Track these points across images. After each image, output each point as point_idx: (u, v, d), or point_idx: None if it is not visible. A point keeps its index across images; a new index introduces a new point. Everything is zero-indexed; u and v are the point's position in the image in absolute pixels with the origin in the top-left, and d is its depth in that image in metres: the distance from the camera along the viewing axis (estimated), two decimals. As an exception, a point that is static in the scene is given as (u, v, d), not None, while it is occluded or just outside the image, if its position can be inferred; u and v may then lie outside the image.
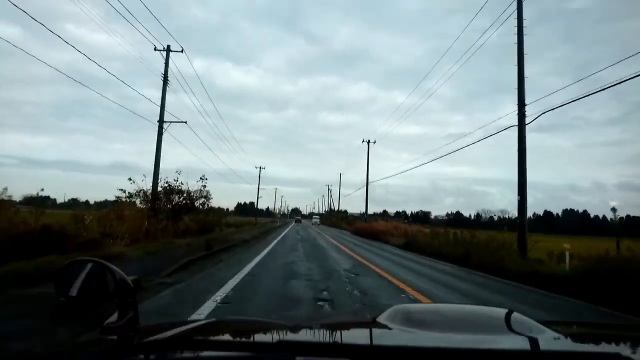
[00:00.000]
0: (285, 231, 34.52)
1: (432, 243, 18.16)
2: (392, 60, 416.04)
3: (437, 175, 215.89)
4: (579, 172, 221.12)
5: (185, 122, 21.39)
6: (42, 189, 11.77)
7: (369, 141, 47.53)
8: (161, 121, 20.62)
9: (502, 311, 1.36)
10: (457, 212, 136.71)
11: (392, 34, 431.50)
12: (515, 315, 1.29)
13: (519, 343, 1.10)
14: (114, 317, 1.20)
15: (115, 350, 0.99)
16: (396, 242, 22.46)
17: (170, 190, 20.49)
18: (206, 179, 21.36)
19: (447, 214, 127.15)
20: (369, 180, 47.19)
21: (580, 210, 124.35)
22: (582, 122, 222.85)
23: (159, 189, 20.09)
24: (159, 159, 20.75)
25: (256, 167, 71.21)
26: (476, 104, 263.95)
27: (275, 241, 20.02)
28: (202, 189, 21.40)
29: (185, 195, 20.90)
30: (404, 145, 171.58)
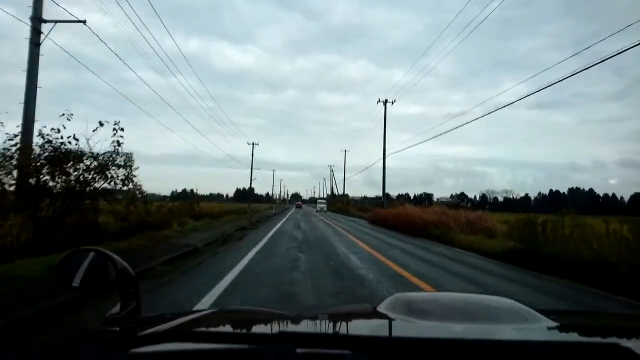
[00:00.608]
0: (280, 223, 24.58)
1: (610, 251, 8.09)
2: (391, 37, 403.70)
3: (436, 157, 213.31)
4: (580, 150, 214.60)
5: (84, 22, 11.33)
6: None
7: (385, 101, 37.43)
8: (36, 19, 10.58)
9: (502, 300, 1.36)
10: (462, 193, 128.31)
11: (391, 9, 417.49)
12: (515, 304, 1.28)
13: (519, 333, 1.09)
14: (116, 308, 1.21)
15: (116, 343, 1.00)
16: (480, 246, 12.27)
17: (57, 157, 10.42)
18: (121, 129, 10.97)
19: (451, 196, 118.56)
20: (385, 153, 37.25)
21: (586, 189, 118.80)
22: (582, 98, 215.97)
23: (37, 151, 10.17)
24: (34, 94, 10.76)
25: (249, 144, 61.06)
26: (475, 82, 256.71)
27: (250, 256, 9.57)
28: (115, 150, 11.18)
29: (87, 163, 10.90)
30: (404, 126, 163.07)
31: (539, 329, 1.10)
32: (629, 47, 9.11)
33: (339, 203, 71.58)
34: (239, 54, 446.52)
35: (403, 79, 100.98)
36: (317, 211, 58.16)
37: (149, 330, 1.05)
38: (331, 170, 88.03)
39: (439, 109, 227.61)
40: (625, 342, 0.94)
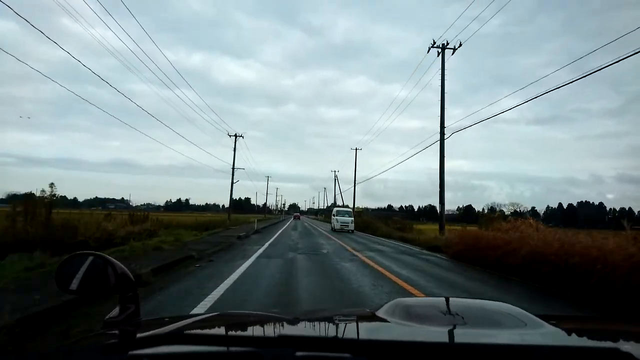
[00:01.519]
0: (229, 285, 8.60)
1: None
2: (390, 52, 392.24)
3: (435, 170, 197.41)
4: (578, 164, 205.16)
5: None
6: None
7: (443, 46, 21.81)
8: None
9: (502, 305, 1.32)
10: (469, 206, 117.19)
11: (391, 25, 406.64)
12: (514, 309, 1.25)
13: (517, 337, 1.06)
14: (115, 312, 1.21)
15: (115, 345, 1.00)
16: None
17: None
18: None
19: (458, 208, 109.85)
20: (444, 131, 21.63)
21: (596, 203, 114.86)
22: (581, 114, 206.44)
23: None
24: None
25: (230, 135, 45.31)
26: (475, 97, 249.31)
27: None
28: None
29: None
30: (404, 139, 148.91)
31: (539, 333, 1.07)
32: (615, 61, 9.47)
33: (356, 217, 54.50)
34: (241, 69, 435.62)
35: (404, 95, 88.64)
36: (333, 229, 31.79)
37: (148, 333, 1.06)
38: (335, 177, 72.04)
39: (438, 123, 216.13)
40: (625, 347, 0.93)
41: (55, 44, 10.74)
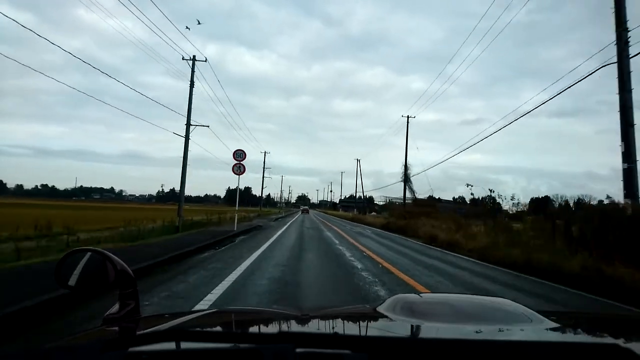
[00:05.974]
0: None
1: None
2: (410, 43, 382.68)
3: (450, 163, 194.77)
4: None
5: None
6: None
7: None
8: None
9: (502, 301, 1.32)
10: (546, 197, 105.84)
11: (411, 15, 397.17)
12: (515, 305, 1.25)
13: (519, 333, 1.06)
14: (115, 308, 1.20)
15: (115, 341, 0.98)
16: None
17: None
18: None
19: (532, 200, 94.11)
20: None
21: None
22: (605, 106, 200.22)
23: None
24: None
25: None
26: (494, 89, 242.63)
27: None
28: None
29: None
30: (420, 133, 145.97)
31: (540, 329, 1.06)
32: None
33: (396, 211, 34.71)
34: (256, 60, 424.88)
35: (423, 87, 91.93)
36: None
37: (148, 330, 1.05)
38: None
39: (456, 116, 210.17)
40: (625, 343, 0.94)
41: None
